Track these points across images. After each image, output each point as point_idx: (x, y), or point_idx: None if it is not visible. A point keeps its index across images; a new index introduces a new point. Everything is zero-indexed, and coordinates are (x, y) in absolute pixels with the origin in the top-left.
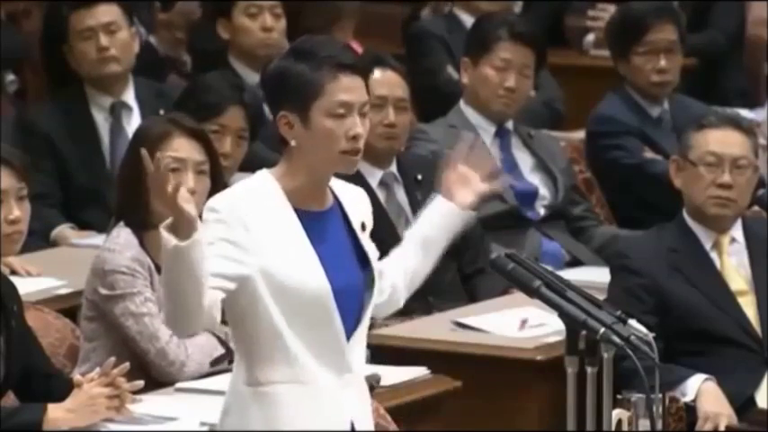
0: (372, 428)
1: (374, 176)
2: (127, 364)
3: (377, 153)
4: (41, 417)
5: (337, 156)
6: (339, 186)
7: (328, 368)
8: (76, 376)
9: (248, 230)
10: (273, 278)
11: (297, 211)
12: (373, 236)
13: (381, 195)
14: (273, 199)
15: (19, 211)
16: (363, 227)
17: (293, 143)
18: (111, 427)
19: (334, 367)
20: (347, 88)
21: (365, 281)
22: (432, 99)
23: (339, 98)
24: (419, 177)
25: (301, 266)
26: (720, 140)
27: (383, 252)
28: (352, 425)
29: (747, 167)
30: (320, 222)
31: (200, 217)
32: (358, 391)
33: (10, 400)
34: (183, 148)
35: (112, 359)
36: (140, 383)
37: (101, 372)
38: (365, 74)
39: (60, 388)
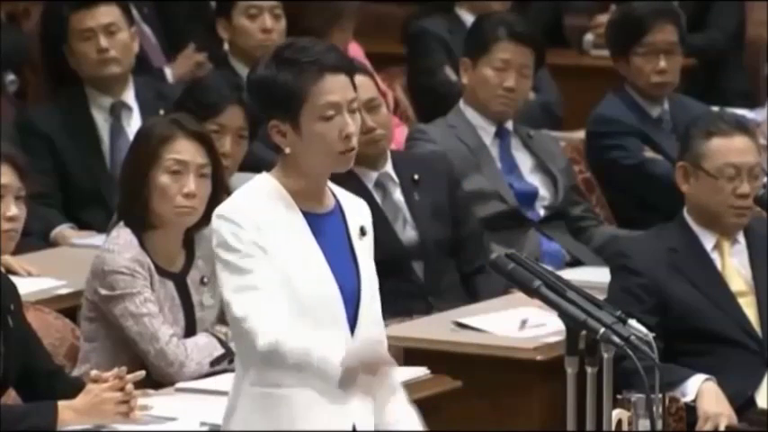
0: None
1: (369, 178)
2: (142, 372)
3: (368, 158)
4: (53, 420)
5: (333, 157)
6: (341, 193)
7: None
8: (93, 372)
9: (260, 230)
10: (284, 278)
11: (302, 212)
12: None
13: (378, 196)
14: (280, 200)
15: (17, 210)
16: (363, 231)
17: (288, 150)
18: (111, 426)
19: None
20: (332, 89)
21: (357, 287)
22: (430, 99)
23: (326, 100)
24: (416, 177)
25: (311, 268)
26: (737, 150)
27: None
28: (354, 427)
29: (760, 174)
30: (323, 224)
31: (199, 223)
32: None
33: (11, 398)
34: (185, 150)
35: (124, 368)
36: (149, 391)
37: (115, 375)
38: (350, 71)
39: (63, 385)
